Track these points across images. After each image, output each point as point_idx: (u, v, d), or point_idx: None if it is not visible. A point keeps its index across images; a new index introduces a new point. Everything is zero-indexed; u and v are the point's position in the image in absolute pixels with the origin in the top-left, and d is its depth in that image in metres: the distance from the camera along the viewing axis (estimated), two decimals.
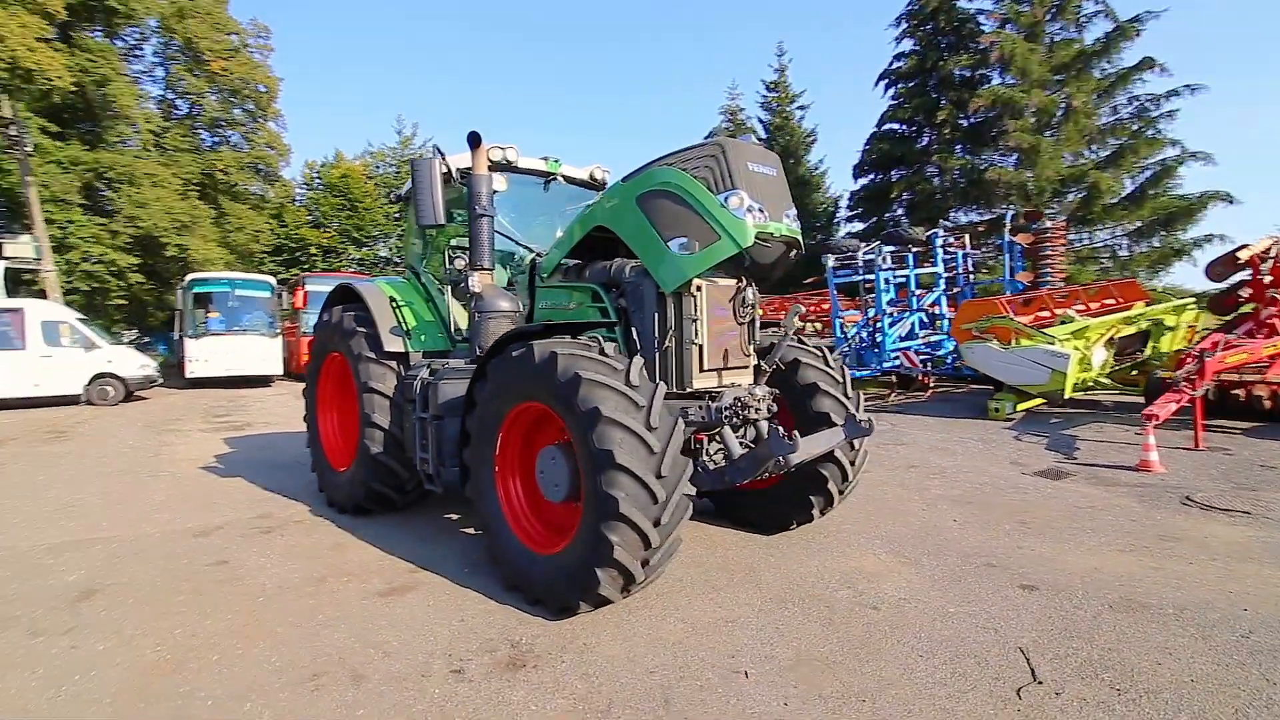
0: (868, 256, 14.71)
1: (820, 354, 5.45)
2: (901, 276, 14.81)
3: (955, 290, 15.41)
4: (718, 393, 4.54)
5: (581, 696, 3.18)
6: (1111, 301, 13.06)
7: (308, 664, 3.53)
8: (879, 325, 14.10)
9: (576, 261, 5.46)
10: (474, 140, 5.37)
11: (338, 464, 6.60)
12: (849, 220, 34.07)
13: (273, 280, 23.02)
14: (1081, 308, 12.47)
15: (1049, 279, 14.33)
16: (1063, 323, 11.18)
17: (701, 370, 4.61)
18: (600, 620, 3.97)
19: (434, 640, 3.78)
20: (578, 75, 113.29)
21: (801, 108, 37.03)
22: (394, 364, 5.98)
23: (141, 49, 30.65)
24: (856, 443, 5.21)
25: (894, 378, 14.67)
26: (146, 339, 33.86)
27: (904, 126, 29.32)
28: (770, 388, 5.19)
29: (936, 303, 15.00)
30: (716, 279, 4.72)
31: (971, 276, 16.26)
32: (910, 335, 14.66)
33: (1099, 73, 22.61)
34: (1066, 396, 10.33)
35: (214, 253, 29.49)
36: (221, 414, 14.59)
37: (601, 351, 4.03)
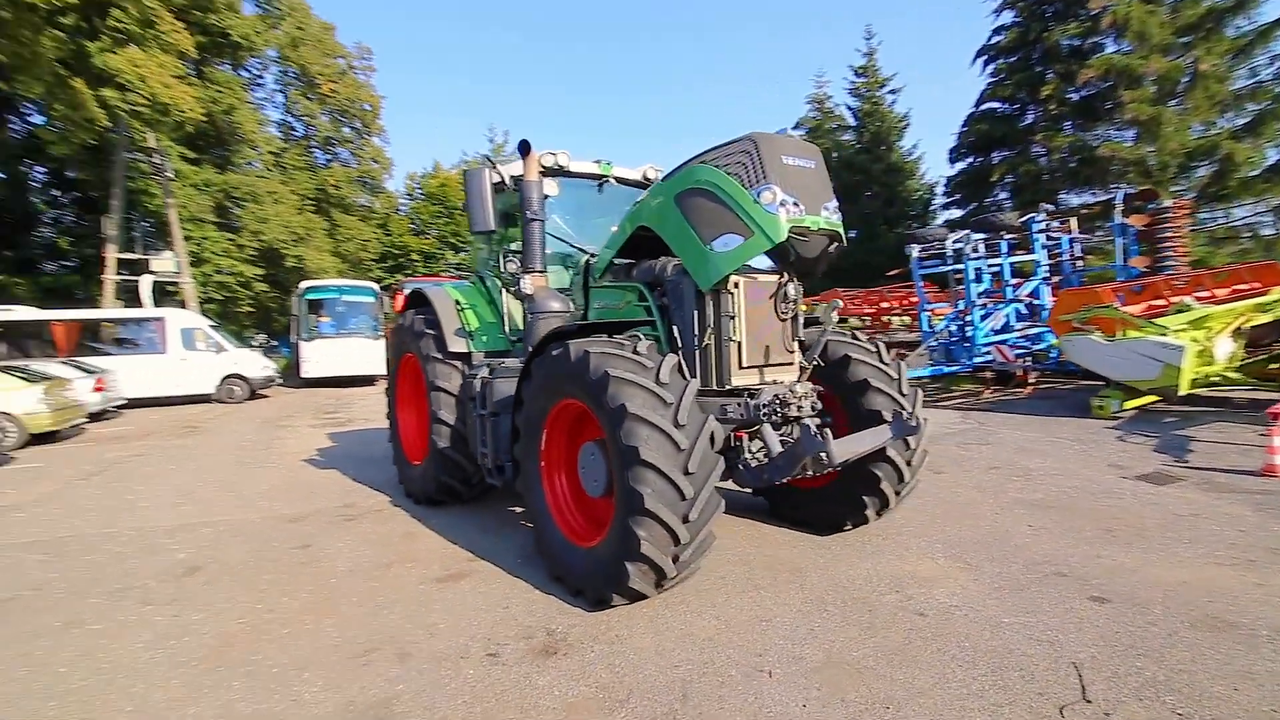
0: (957, 245, 13.90)
1: (873, 350, 5.25)
2: (996, 265, 13.89)
3: (1059, 279, 14.28)
4: (757, 390, 4.50)
5: (604, 685, 3.28)
6: (1244, 287, 11.65)
7: (363, 641, 3.84)
8: (969, 318, 13.30)
9: (627, 261, 5.55)
10: (524, 148, 5.58)
11: (413, 458, 7.05)
12: (946, 207, 32.32)
13: (376, 286, 24.70)
14: (1205, 294, 11.22)
15: (1170, 264, 12.99)
16: (1178, 311, 10.12)
17: (741, 367, 4.58)
18: (635, 613, 4.05)
19: (477, 625, 3.99)
20: (640, 78, 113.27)
21: (893, 92, 35.44)
22: (458, 364, 6.31)
23: (263, 78, 33.74)
24: (912, 441, 4.99)
25: (988, 373, 13.80)
26: (274, 342, 37.26)
27: (1005, 105, 27.42)
28: (819, 385, 5.10)
29: (1035, 292, 13.96)
30: (757, 275, 4.68)
31: (1080, 263, 15.01)
32: (1006, 328, 13.73)
33: (1233, 31, 20.17)
34: (1184, 393, 9.33)
35: (327, 261, 32.04)
36: (329, 411, 15.86)
37: (635, 350, 4.10)
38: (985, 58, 27.78)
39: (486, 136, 42.47)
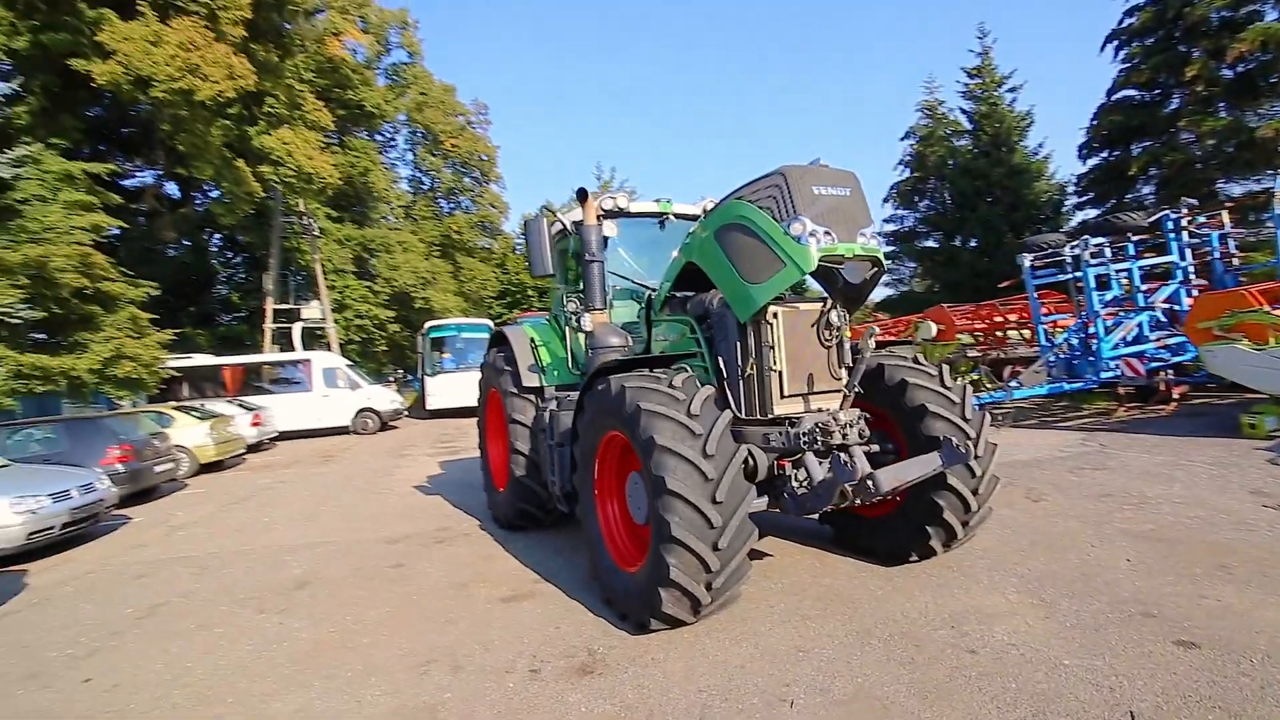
0: (1074, 251, 12.78)
1: (933, 374, 5.06)
2: (1125, 270, 12.59)
3: (1202, 281, 12.69)
4: (798, 418, 4.50)
5: (629, 705, 3.42)
6: None
7: (425, 653, 4.24)
8: (1092, 329, 12.13)
9: (684, 295, 5.75)
10: (581, 195, 5.98)
11: (499, 485, 7.57)
12: (1080, 207, 29.58)
13: (490, 323, 26.45)
14: None
15: None
16: None
17: (783, 396, 4.61)
18: (676, 638, 4.16)
19: (527, 642, 4.28)
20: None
21: (1012, 89, 33.14)
22: (532, 397, 6.76)
23: (395, 140, 37.55)
24: (976, 468, 4.74)
25: (1125, 389, 12.46)
26: (410, 377, 40.70)
27: (1143, 92, 24.82)
28: (881, 411, 5.00)
29: (1175, 297, 12.49)
30: (799, 305, 4.71)
31: (1235, 261, 13.25)
32: (1139, 338, 12.37)
33: None
34: None
35: (451, 301, 34.70)
36: (445, 440, 17.14)
37: (671, 384, 4.28)
38: (1116, 43, 25.40)
39: (594, 175, 44.20)
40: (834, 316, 4.68)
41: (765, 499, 4.56)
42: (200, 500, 10.46)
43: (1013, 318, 14.99)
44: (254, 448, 16.38)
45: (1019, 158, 32.63)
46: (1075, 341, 12.72)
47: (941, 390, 4.92)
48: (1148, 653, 3.57)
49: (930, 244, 34.26)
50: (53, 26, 14.65)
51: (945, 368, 5.18)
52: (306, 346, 23.63)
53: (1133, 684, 3.27)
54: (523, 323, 7.72)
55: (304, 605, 5.30)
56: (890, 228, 35.53)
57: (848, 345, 4.79)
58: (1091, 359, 12.20)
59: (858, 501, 4.51)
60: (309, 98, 19.88)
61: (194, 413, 13.62)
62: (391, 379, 35.47)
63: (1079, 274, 12.66)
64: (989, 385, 11.78)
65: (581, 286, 7.11)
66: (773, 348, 4.58)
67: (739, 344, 4.76)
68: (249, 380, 19.42)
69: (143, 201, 20.48)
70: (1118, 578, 4.66)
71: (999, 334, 14.42)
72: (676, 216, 6.95)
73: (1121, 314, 12.52)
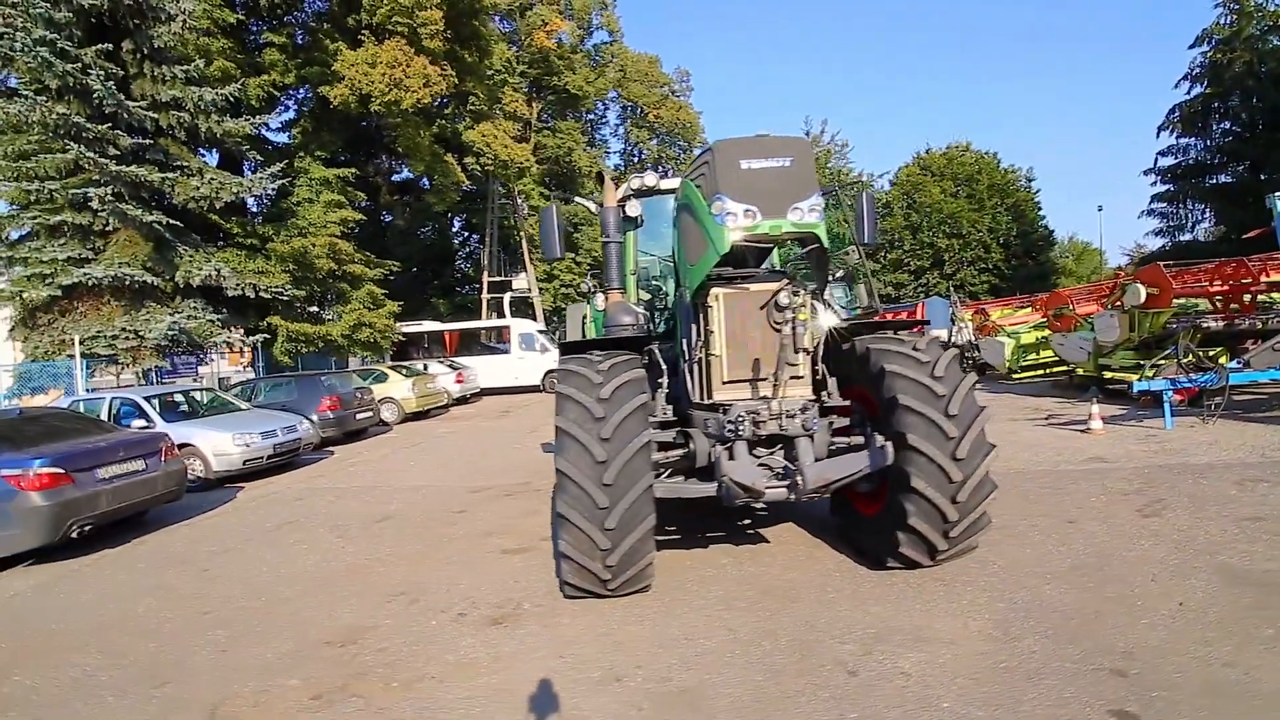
0: None
1: (921, 360, 4.41)
2: None
3: None
4: (729, 406, 4.35)
5: (500, 655, 3.83)
6: None
7: (404, 586, 5.06)
8: None
9: None
10: (600, 178, 6.19)
11: None
12: None
13: None
14: None
15: None
16: None
17: (724, 382, 4.47)
18: (593, 607, 4.38)
19: (483, 590, 4.85)
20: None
21: None
22: None
23: (605, 118, 39.82)
24: (954, 473, 4.11)
25: None
26: None
27: None
28: (869, 400, 4.58)
29: None
30: (749, 286, 4.48)
31: None
32: None
33: None
34: None
35: None
36: None
37: (599, 368, 4.42)
38: None
39: (803, 129, 42.22)
40: (784, 297, 4.36)
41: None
42: (386, 443, 12.92)
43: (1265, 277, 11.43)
44: (461, 400, 19.36)
45: None
46: None
47: (922, 380, 4.31)
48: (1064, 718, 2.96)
49: (1224, 179, 26.84)
50: (309, 62, 18.57)
51: (946, 354, 4.49)
52: (518, 314, 26.85)
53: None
54: (593, 300, 8.17)
55: (371, 536, 6.54)
56: (1167, 162, 28.57)
57: (805, 328, 4.42)
58: None
59: (793, 498, 4.24)
60: (508, 92, 22.24)
61: (404, 371, 16.61)
62: None
63: None
64: (1191, 363, 9.25)
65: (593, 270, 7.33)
66: (712, 331, 4.46)
67: (694, 326, 4.70)
68: (463, 343, 22.82)
69: (383, 195, 24.94)
70: (1136, 623, 3.75)
71: (1248, 298, 11.09)
72: None
73: None
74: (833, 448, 4.68)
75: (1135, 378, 9.63)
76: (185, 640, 4.45)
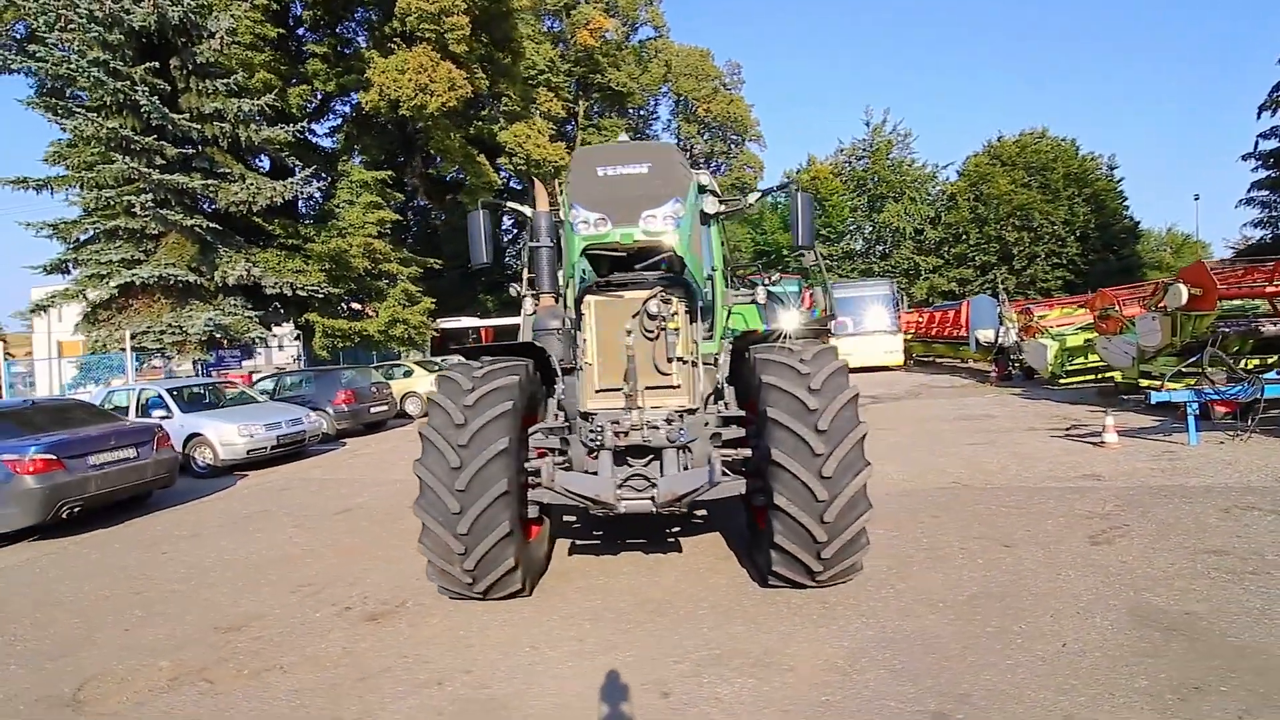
0: None
1: (799, 371, 4.19)
2: None
3: None
4: (593, 414, 4.30)
5: (354, 651, 3.94)
6: None
7: (316, 578, 5.28)
8: None
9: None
10: (532, 181, 6.21)
11: None
12: None
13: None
14: None
15: None
16: None
17: (596, 391, 4.40)
18: (466, 608, 4.44)
19: (382, 586, 5.00)
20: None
21: None
22: None
23: (657, 113, 39.73)
24: (820, 492, 3.90)
25: None
26: None
27: None
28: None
29: None
30: (623, 293, 4.40)
31: None
32: None
33: None
34: None
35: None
36: None
37: (473, 374, 4.43)
38: None
39: (863, 120, 40.81)
40: (654, 306, 4.26)
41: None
42: (399, 436, 13.43)
43: None
44: None
45: None
46: None
47: (795, 393, 4.10)
48: None
49: None
50: (348, 70, 19.46)
51: (835, 364, 4.26)
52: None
53: None
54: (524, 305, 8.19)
55: (324, 527, 6.83)
56: (1270, 145, 25.83)
57: (676, 337, 4.31)
58: None
59: (659, 511, 4.15)
60: (542, 92, 22.56)
61: (429, 366, 17.19)
62: None
63: None
64: (1220, 371, 8.35)
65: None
66: (586, 339, 4.41)
67: (575, 334, 4.67)
68: (498, 338, 23.39)
69: (420, 195, 25.84)
70: (998, 663, 3.46)
71: None
72: None
73: None
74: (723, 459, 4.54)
75: (1156, 386, 8.80)
76: (105, 617, 4.81)
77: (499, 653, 3.85)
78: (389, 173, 19.73)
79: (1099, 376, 14.07)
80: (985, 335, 18.13)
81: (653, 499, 4.08)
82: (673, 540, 5.71)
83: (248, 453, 9.98)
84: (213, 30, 13.98)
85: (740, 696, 3.28)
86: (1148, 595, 4.11)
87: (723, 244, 7.66)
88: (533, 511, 4.73)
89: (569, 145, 29.52)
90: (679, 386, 4.35)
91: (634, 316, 4.34)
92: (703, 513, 6.32)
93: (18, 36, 16.70)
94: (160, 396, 10.41)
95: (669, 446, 4.19)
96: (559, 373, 4.96)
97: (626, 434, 4.18)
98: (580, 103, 29.83)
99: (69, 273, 14.73)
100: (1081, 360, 14.40)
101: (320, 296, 16.47)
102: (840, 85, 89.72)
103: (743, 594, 4.50)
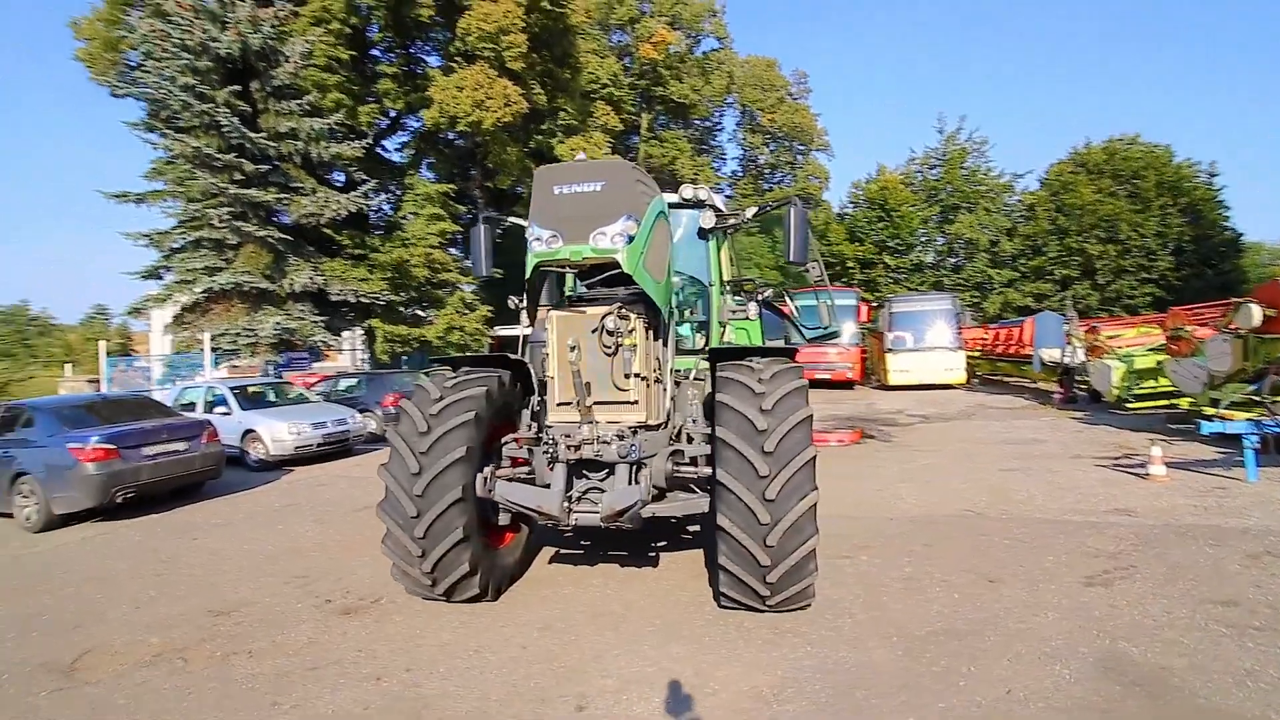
0: None
1: (754, 391, 4.16)
2: None
3: None
4: (550, 428, 4.41)
5: (317, 642, 4.21)
6: None
7: (328, 574, 5.62)
8: None
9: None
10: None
11: None
12: None
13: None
14: None
15: None
16: None
17: (557, 404, 4.51)
18: (434, 609, 4.64)
19: (366, 582, 5.28)
20: None
21: None
22: None
23: (721, 124, 39.63)
24: (762, 515, 3.86)
25: None
26: None
27: None
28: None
29: None
30: (585, 309, 4.50)
31: None
32: None
33: None
34: None
35: (770, 276, 35.62)
36: None
37: (444, 383, 4.64)
38: None
39: (935, 128, 39.33)
40: (611, 322, 4.33)
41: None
42: None
43: None
44: None
45: None
46: None
47: (746, 413, 4.08)
48: None
49: None
50: (415, 89, 20.51)
51: (794, 384, 4.21)
52: None
53: None
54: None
55: (340, 523, 7.23)
56: None
57: (633, 353, 4.34)
58: None
59: (614, 525, 4.21)
60: (599, 105, 22.98)
61: None
62: None
63: None
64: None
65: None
66: (548, 354, 4.53)
67: (541, 349, 4.80)
68: None
69: (482, 206, 26.78)
70: (929, 706, 3.32)
71: None
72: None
73: None
74: (676, 475, 4.57)
75: (1210, 415, 8.09)
76: (124, 594, 5.31)
77: (443, 653, 4.02)
78: (451, 186, 20.69)
79: (1170, 402, 12.99)
80: (1050, 354, 17.05)
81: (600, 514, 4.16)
82: (653, 555, 5.74)
83: (295, 449, 10.68)
84: (289, 54, 15.16)
85: (652, 717, 3.30)
86: (1125, 644, 3.83)
87: (731, 259, 7.64)
88: (504, 519, 4.91)
89: (629, 159, 30.03)
90: (636, 403, 4.39)
91: (593, 332, 4.43)
92: (695, 528, 6.32)
93: (132, 65, 18.63)
94: (223, 395, 11.30)
95: (619, 462, 4.25)
96: (537, 385, 5.11)
97: (578, 448, 4.27)
98: (643, 115, 30.21)
99: (161, 279, 16.25)
100: (1152, 384, 13.33)
101: (382, 303, 17.43)
102: (912, 92, 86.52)
103: (698, 613, 4.48)
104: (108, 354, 16.09)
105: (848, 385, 21.54)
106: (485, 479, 4.25)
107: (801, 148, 39.60)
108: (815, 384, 22.28)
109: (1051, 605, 4.40)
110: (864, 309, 22.65)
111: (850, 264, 40.63)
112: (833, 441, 11.45)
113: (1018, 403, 16.72)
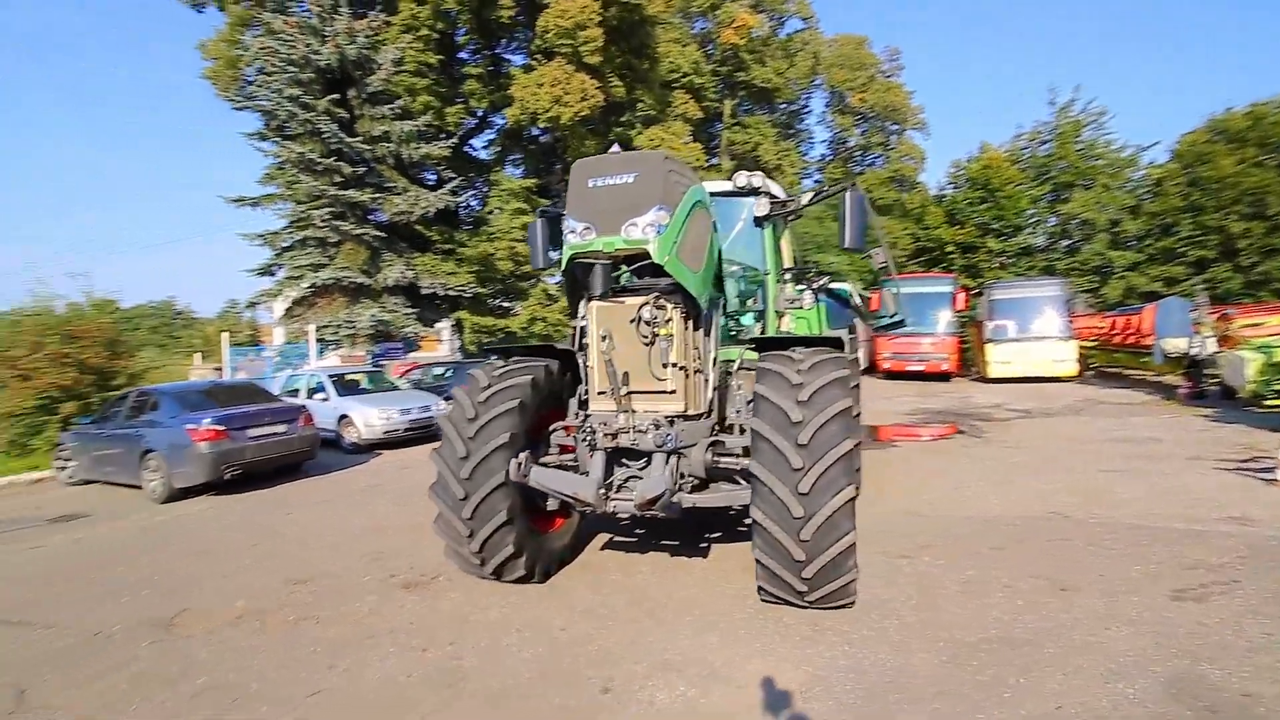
0: None
1: (791, 382, 4.05)
2: None
3: None
4: (587, 417, 4.49)
5: (379, 611, 4.52)
6: None
7: (400, 552, 6.01)
8: None
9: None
10: None
11: None
12: None
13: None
14: None
15: None
16: None
17: (597, 393, 4.57)
18: (491, 587, 4.85)
19: (425, 560, 5.56)
20: None
21: None
22: None
23: (809, 107, 38.36)
24: (796, 509, 3.77)
25: None
26: None
27: None
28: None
29: None
30: (624, 299, 4.52)
31: None
32: None
33: None
34: None
35: (855, 259, 34.26)
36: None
37: (493, 371, 4.82)
38: None
39: (1047, 100, 36.30)
40: (647, 312, 4.34)
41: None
42: None
43: None
44: None
45: None
46: None
47: (782, 404, 4.00)
48: None
49: None
50: (499, 89, 21.17)
51: (830, 374, 4.07)
52: None
53: None
54: None
55: (417, 505, 7.57)
56: None
57: (670, 344, 4.33)
58: None
59: (648, 514, 4.24)
60: (678, 95, 22.83)
61: None
62: None
63: None
64: None
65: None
66: (588, 344, 4.60)
67: (583, 339, 4.88)
68: None
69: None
70: (964, 713, 3.15)
71: None
72: (716, 194, 6.57)
73: None
74: (719, 465, 4.54)
75: None
76: (222, 562, 5.91)
77: (487, 630, 4.20)
78: (534, 180, 21.34)
79: None
80: (1174, 345, 15.35)
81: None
82: (704, 546, 5.72)
83: (384, 433, 11.43)
84: (381, 62, 16.11)
85: (674, 704, 3.32)
86: (1206, 666, 3.45)
87: (792, 246, 7.41)
88: (553, 505, 5.04)
89: (712, 146, 29.63)
90: (674, 392, 4.39)
91: (630, 322, 4.45)
92: (750, 521, 6.23)
93: (249, 80, 20.39)
94: (322, 382, 12.25)
95: (656, 451, 4.27)
96: (583, 374, 5.20)
97: (615, 436, 4.32)
98: (725, 102, 29.75)
99: (274, 275, 17.78)
100: None
101: (469, 296, 18.26)
102: (1019, 63, 79.47)
103: (739, 606, 4.44)
104: (238, 344, 17.81)
105: (943, 377, 20.39)
106: (520, 465, 4.38)
107: (895, 128, 37.67)
108: (909, 376, 21.32)
109: (1128, 619, 4.03)
110: (961, 296, 21.24)
111: (950, 249, 38.34)
112: (924, 436, 10.93)
113: (1136, 398, 15.22)
